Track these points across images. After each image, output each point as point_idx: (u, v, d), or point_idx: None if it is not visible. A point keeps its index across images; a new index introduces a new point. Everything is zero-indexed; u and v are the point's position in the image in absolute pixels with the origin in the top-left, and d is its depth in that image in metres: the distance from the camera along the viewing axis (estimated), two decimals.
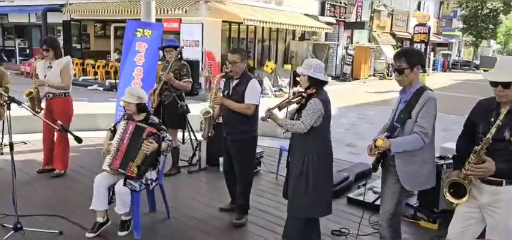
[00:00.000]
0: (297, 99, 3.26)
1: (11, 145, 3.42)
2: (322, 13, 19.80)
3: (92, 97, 12.42)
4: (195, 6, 13.73)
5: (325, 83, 3.29)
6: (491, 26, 34.30)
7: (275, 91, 14.73)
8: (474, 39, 36.92)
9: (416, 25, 19.54)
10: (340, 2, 21.08)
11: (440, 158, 4.13)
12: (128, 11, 14.44)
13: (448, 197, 2.58)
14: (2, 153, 5.81)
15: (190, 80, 5.21)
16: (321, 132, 3.25)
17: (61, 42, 16.53)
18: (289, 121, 3.26)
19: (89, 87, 14.65)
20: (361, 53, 22.43)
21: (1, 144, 5.97)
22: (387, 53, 25.52)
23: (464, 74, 30.77)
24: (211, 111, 3.77)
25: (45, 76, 4.88)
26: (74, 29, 18.63)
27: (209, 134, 3.83)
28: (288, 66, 17.99)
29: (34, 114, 4.22)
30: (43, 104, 5.02)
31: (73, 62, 5.27)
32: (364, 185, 4.88)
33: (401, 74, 2.87)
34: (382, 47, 25.35)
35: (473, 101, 2.87)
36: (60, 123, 3.70)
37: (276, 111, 3.26)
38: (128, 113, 3.69)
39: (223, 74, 3.86)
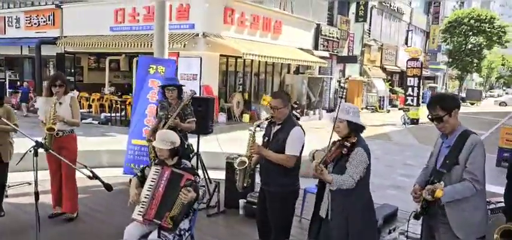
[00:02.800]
0: (339, 150, 3.02)
1: (37, 194, 3.17)
2: (316, 47, 20.02)
3: (88, 131, 12.11)
4: (194, 41, 13.70)
5: (363, 129, 3.12)
6: (475, 61, 35.20)
7: None
8: (459, 72, 37.79)
9: (409, 60, 19.96)
10: (333, 37, 21.41)
11: None
12: (124, 45, 14.33)
13: None
14: (7, 196, 5.46)
15: (194, 118, 5.13)
16: (364, 185, 3.03)
17: None
18: (338, 177, 2.95)
19: (84, 121, 14.26)
20: (354, 86, 22.73)
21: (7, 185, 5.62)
22: (378, 86, 25.92)
23: None
24: (247, 161, 3.37)
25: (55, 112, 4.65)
26: (68, 62, 18.30)
27: (244, 185, 3.48)
28: None
29: (59, 157, 3.85)
30: None
31: None
32: (394, 229, 4.74)
33: (441, 122, 2.81)
34: (374, 81, 25.73)
35: None
36: (89, 169, 3.46)
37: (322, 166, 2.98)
38: (160, 157, 3.49)
39: (267, 118, 3.62)
